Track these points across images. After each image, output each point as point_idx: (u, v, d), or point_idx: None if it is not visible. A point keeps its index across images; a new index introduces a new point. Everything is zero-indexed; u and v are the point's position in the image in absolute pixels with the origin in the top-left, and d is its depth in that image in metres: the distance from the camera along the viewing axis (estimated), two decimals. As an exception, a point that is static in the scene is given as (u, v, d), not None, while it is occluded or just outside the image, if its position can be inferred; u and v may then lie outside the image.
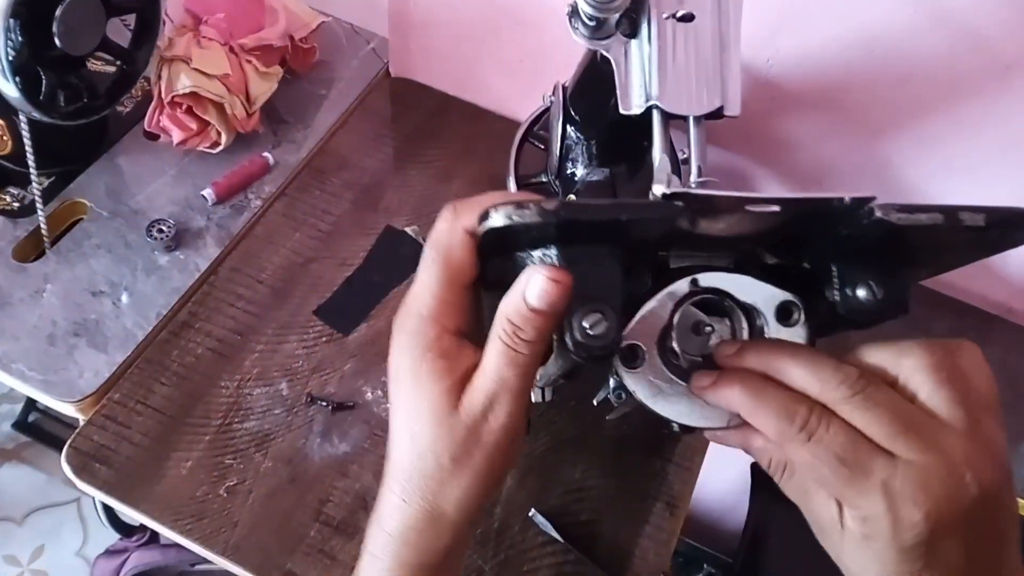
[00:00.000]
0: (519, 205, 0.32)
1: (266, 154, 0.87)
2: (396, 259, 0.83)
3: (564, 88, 0.75)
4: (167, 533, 0.67)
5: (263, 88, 0.86)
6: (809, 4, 0.73)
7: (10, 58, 0.66)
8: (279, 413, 0.73)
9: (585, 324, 0.34)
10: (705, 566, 1.18)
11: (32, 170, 0.75)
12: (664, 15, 0.45)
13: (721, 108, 0.44)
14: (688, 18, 0.45)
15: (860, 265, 0.36)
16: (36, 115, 0.71)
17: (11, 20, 0.65)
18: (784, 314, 0.38)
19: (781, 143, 0.84)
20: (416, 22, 0.92)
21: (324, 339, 0.77)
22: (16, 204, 0.82)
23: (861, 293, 0.36)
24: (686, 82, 0.44)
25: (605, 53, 0.47)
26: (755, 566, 0.82)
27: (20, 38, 0.66)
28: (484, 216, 0.33)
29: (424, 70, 0.97)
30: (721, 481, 1.22)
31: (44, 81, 0.70)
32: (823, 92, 0.78)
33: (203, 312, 0.77)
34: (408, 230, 0.85)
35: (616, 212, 0.33)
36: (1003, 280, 0.87)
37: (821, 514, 0.36)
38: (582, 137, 0.73)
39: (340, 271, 0.82)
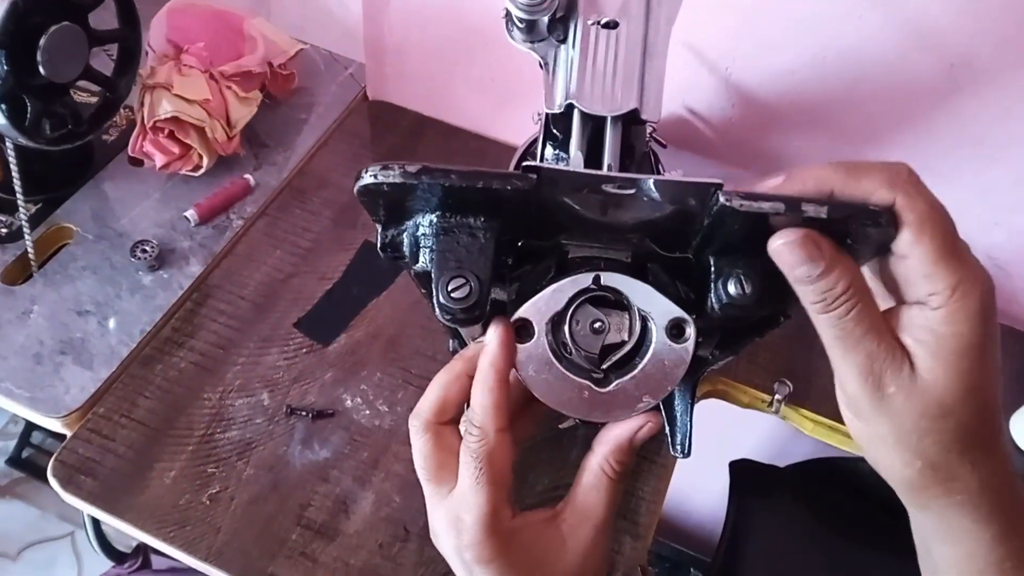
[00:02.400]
0: (385, 166, 0.35)
1: (247, 176, 0.90)
2: (374, 272, 0.85)
3: None
4: (151, 541, 0.68)
5: (243, 112, 0.89)
6: (763, 13, 0.76)
7: (-5, 85, 0.69)
8: (260, 422, 0.74)
9: (449, 288, 0.36)
10: (692, 570, 1.19)
11: (19, 195, 0.78)
12: (589, 21, 0.46)
13: (637, 111, 0.45)
14: (612, 25, 0.46)
15: (736, 261, 0.37)
16: (22, 141, 0.74)
17: (-4, 49, 0.68)
18: (676, 331, 0.39)
19: (744, 144, 0.87)
20: (390, 47, 0.96)
21: (304, 350, 0.79)
22: (4, 230, 0.84)
23: (731, 288, 0.36)
24: (602, 84, 0.45)
25: (536, 56, 0.49)
26: (733, 563, 0.83)
27: (5, 66, 0.69)
28: (358, 176, 0.36)
29: (400, 92, 1.01)
30: (705, 491, 1.23)
31: (29, 108, 0.73)
32: (780, 96, 0.81)
33: (186, 328, 0.79)
34: (386, 244, 0.88)
35: (471, 180, 0.35)
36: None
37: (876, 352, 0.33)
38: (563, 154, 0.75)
39: (320, 285, 0.84)
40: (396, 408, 0.76)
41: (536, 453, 0.74)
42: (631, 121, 0.46)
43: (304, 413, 0.75)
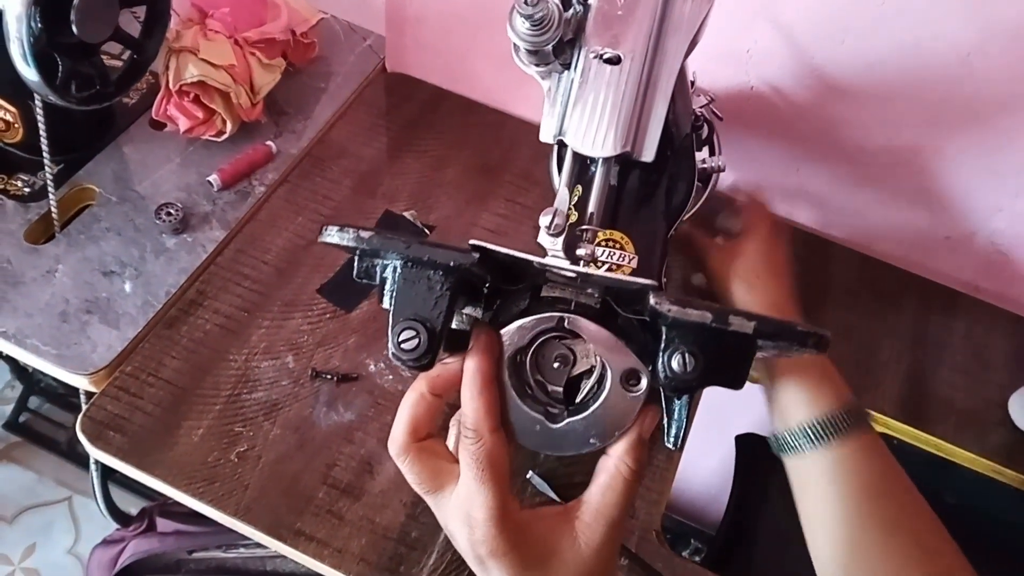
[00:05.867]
0: (343, 228, 0.38)
1: (269, 143, 0.90)
2: (395, 241, 0.87)
3: None
4: (180, 497, 0.69)
5: (266, 79, 0.90)
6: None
7: (31, 42, 0.69)
8: (286, 384, 0.76)
9: (400, 338, 0.37)
10: (692, 541, 1.22)
11: (45, 154, 0.78)
12: (592, 54, 0.45)
13: (629, 154, 0.44)
14: (614, 60, 0.44)
15: (686, 335, 0.36)
16: (52, 99, 0.74)
17: (32, 7, 0.68)
18: (631, 380, 0.40)
19: (757, 125, 0.89)
20: (411, 18, 0.97)
21: (328, 316, 0.81)
22: (27, 189, 0.85)
23: (675, 364, 0.36)
24: (594, 124, 0.44)
25: (538, 80, 0.48)
26: (738, 536, 0.86)
27: (39, 24, 0.69)
28: (320, 232, 0.39)
29: (418, 64, 1.02)
30: (706, 465, 1.26)
31: (60, 67, 0.73)
32: (798, 80, 0.83)
33: (211, 290, 0.80)
34: (406, 214, 0.89)
35: (417, 252, 0.37)
36: (970, 259, 0.92)
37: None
38: None
39: (341, 252, 0.85)
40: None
41: (519, 457, 0.75)
42: (627, 162, 0.45)
43: (329, 376, 0.76)
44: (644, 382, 0.40)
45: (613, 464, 0.40)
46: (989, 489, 0.80)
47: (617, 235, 0.67)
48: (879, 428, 0.81)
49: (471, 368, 0.39)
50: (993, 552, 0.77)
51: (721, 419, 1.07)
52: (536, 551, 0.39)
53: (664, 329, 0.37)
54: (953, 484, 0.80)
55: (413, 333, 0.37)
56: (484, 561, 0.39)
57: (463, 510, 0.40)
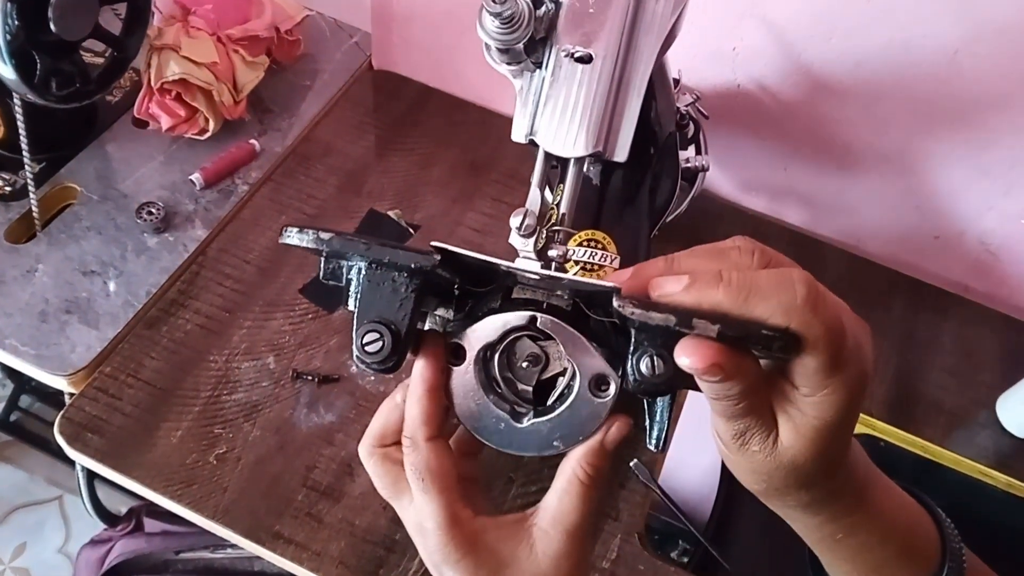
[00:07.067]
0: (302, 230, 0.36)
1: (252, 141, 0.90)
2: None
3: None
4: (158, 499, 0.69)
5: (250, 77, 0.89)
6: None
7: (7, 40, 0.68)
8: (267, 385, 0.75)
9: (364, 340, 0.37)
10: (680, 542, 1.22)
11: (25, 153, 0.78)
12: (563, 52, 0.44)
13: (601, 153, 0.44)
14: (585, 59, 0.44)
15: (654, 337, 0.35)
16: (31, 97, 0.73)
17: (8, 4, 0.68)
18: (599, 385, 0.39)
19: (745, 124, 0.89)
20: (398, 15, 0.96)
21: (310, 316, 0.80)
22: (8, 188, 0.84)
23: (643, 367, 0.35)
24: (565, 123, 0.44)
25: (510, 78, 0.47)
26: (724, 536, 0.86)
27: (16, 21, 0.69)
28: (280, 233, 0.38)
29: (405, 62, 1.01)
30: (693, 465, 1.25)
31: (39, 65, 0.73)
32: (785, 79, 0.82)
33: (192, 290, 0.80)
34: (391, 213, 0.88)
35: (376, 253, 0.36)
36: (959, 259, 0.91)
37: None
38: None
39: (325, 252, 0.84)
40: (401, 375, 0.76)
41: (502, 460, 0.74)
42: (603, 161, 0.45)
43: (310, 377, 0.76)
44: (613, 388, 0.39)
45: (570, 468, 0.39)
46: (977, 492, 0.80)
47: (599, 235, 0.66)
48: (865, 429, 0.81)
49: (416, 375, 0.39)
50: (980, 556, 0.76)
51: (709, 420, 1.06)
52: (490, 559, 0.39)
53: (633, 332, 0.36)
54: (940, 487, 0.80)
55: (377, 336, 0.37)
56: (440, 568, 0.39)
57: (416, 520, 0.40)
